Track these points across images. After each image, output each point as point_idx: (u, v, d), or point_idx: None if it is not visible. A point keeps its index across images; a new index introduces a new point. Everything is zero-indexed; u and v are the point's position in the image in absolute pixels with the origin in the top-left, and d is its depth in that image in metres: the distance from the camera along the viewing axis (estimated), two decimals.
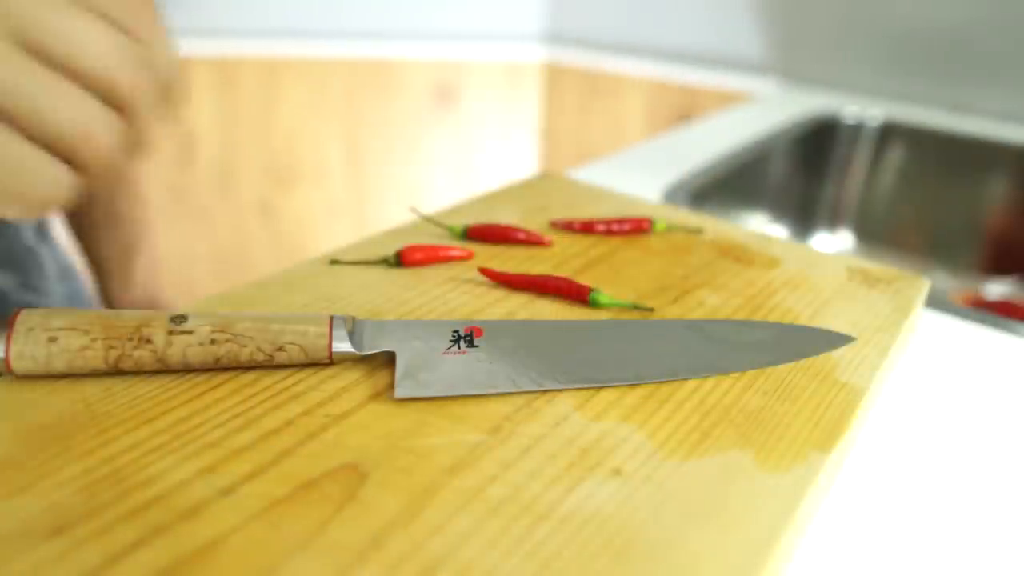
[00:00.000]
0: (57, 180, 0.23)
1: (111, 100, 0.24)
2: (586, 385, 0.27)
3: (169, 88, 0.26)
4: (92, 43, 0.23)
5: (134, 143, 0.26)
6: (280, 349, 0.27)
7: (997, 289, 0.86)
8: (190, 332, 0.26)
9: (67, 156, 0.23)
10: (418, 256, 0.36)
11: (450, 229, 0.39)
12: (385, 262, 0.36)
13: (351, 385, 0.27)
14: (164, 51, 0.26)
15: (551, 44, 1.46)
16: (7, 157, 0.22)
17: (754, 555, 0.21)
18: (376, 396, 0.26)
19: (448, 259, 0.36)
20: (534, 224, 0.42)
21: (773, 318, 0.34)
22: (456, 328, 0.30)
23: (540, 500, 0.22)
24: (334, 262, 0.35)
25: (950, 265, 0.93)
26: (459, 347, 0.29)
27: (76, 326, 0.25)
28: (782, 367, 0.30)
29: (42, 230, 0.56)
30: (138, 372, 0.26)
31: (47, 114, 0.22)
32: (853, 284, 0.38)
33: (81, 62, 0.23)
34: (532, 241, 0.39)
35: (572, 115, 1.47)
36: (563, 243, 0.40)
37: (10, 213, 0.23)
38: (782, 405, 0.27)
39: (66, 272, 0.58)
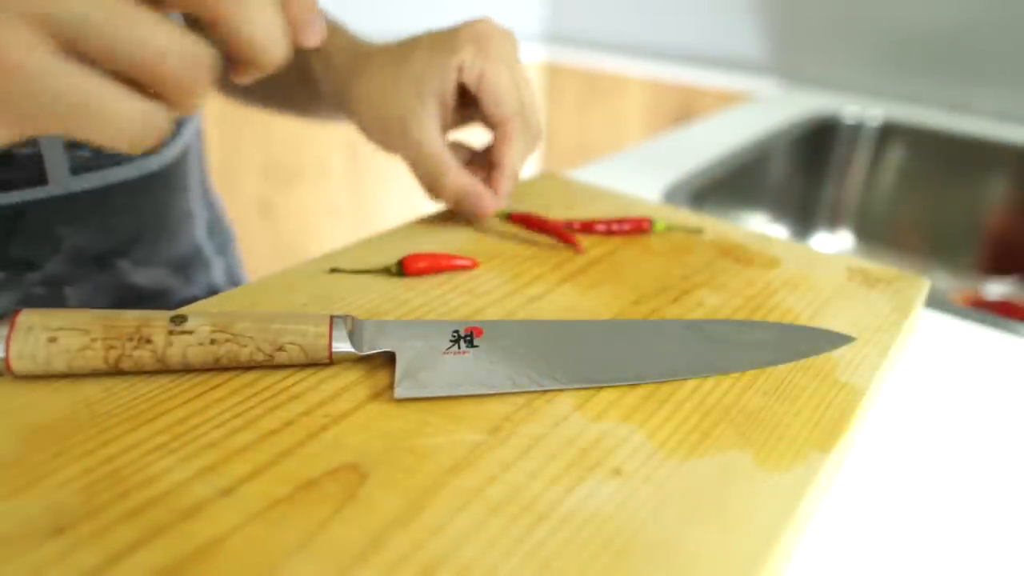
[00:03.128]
0: (146, 115, 0.23)
1: (196, 18, 0.23)
2: (586, 385, 0.27)
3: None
4: None
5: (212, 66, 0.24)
6: (280, 349, 0.27)
7: (997, 289, 0.86)
8: (190, 332, 0.26)
9: (154, 87, 0.23)
10: (421, 265, 0.35)
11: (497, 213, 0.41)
12: (387, 271, 0.35)
13: (351, 385, 0.27)
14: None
15: (551, 44, 1.46)
16: (92, 97, 0.22)
17: (754, 555, 0.21)
18: (376, 396, 0.26)
19: (452, 268, 0.36)
20: None
21: (773, 318, 0.34)
22: (456, 328, 0.30)
23: (540, 500, 0.22)
24: (334, 270, 0.35)
25: (950, 265, 0.93)
26: (459, 347, 0.29)
27: (76, 326, 0.25)
28: (782, 367, 0.30)
29: (213, 229, 0.56)
30: (138, 372, 0.26)
31: (127, 45, 0.22)
32: (853, 284, 0.38)
33: None
34: (565, 239, 0.40)
35: (572, 115, 1.47)
36: (563, 243, 0.40)
37: (112, 148, 0.23)
38: (782, 405, 0.27)
39: (232, 273, 0.57)
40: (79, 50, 0.21)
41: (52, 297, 0.42)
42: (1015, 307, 0.82)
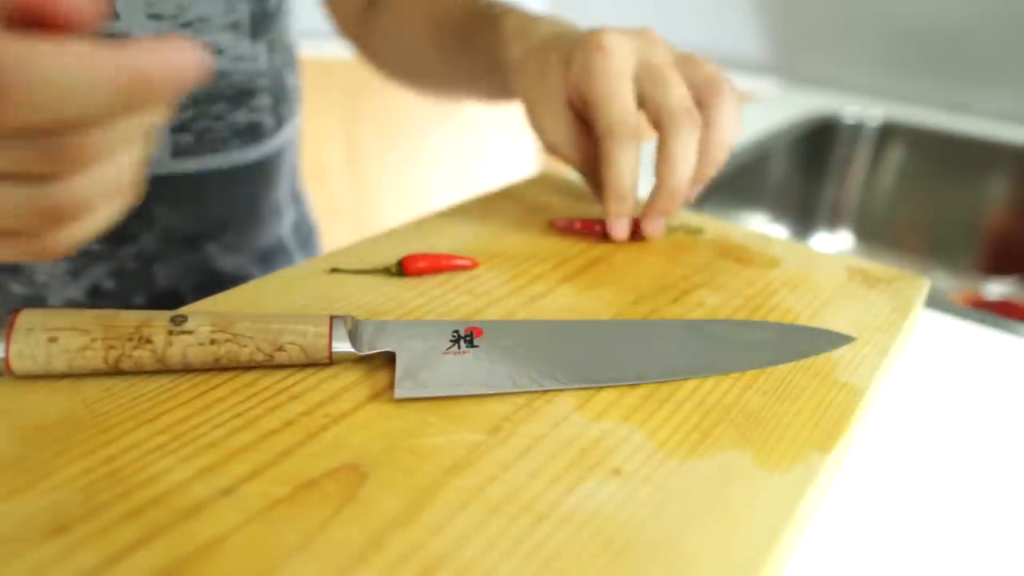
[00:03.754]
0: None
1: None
2: (586, 385, 0.27)
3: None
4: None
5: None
6: (280, 349, 0.27)
7: (997, 289, 0.86)
8: (190, 332, 0.26)
9: None
10: (421, 265, 0.35)
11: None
12: (387, 271, 0.36)
13: (351, 385, 0.27)
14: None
15: None
16: None
17: (754, 555, 0.21)
18: (376, 396, 0.26)
19: (452, 268, 0.36)
20: (534, 224, 0.42)
21: (773, 318, 0.34)
22: (456, 328, 0.30)
23: (540, 500, 0.22)
24: (334, 270, 0.35)
25: (950, 265, 0.93)
26: (459, 347, 0.29)
27: (76, 326, 0.25)
28: (782, 367, 0.30)
29: (299, 225, 0.57)
30: (138, 372, 0.26)
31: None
32: (853, 284, 0.38)
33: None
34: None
35: None
36: (563, 243, 0.40)
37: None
38: (782, 405, 0.27)
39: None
40: None
41: (142, 272, 0.45)
42: (1015, 307, 0.82)
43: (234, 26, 0.43)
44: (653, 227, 0.40)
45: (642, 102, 0.38)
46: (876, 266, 0.40)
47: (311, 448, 0.23)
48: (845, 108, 1.00)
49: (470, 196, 0.46)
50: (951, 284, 0.90)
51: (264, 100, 0.47)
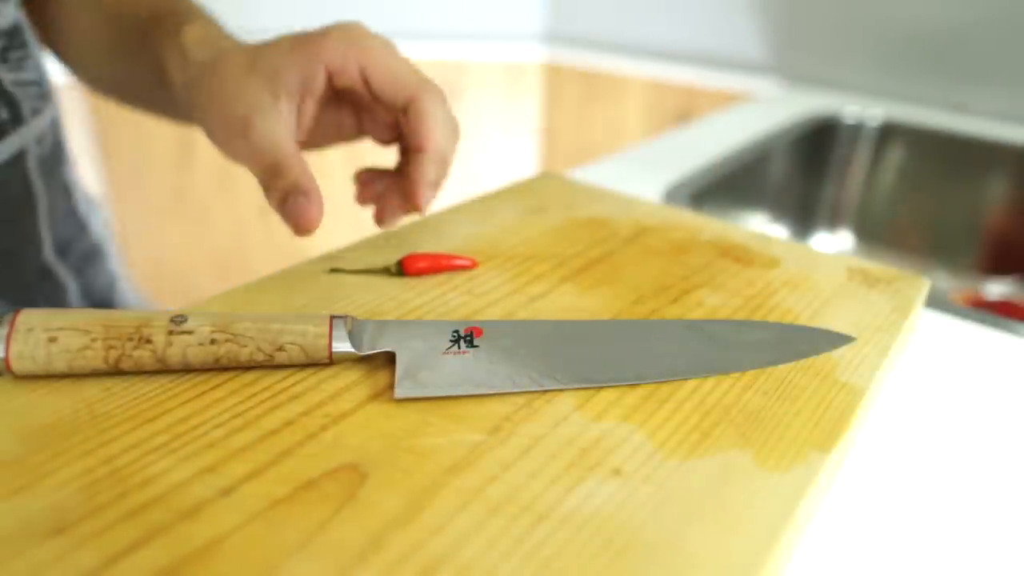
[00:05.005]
0: None
1: None
2: (586, 385, 0.27)
3: None
4: None
5: None
6: (280, 349, 0.27)
7: (997, 289, 0.86)
8: (190, 332, 0.26)
9: None
10: (421, 265, 0.35)
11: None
12: (387, 271, 0.35)
13: (351, 385, 0.27)
14: None
15: (551, 44, 1.46)
16: None
17: (754, 555, 0.21)
18: (376, 396, 0.26)
19: (452, 268, 0.36)
20: (534, 224, 0.42)
21: (773, 318, 0.34)
22: (456, 328, 0.30)
23: (540, 500, 0.22)
24: (334, 271, 0.35)
25: (950, 265, 0.93)
26: (459, 347, 0.29)
27: (76, 326, 0.25)
28: (782, 367, 0.30)
29: (63, 248, 0.48)
30: (138, 372, 0.26)
31: None
32: (853, 284, 0.38)
33: None
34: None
35: (572, 115, 1.47)
36: (563, 243, 0.40)
37: None
38: (782, 405, 0.27)
39: (93, 293, 0.52)
40: None
41: None
42: (1015, 307, 0.82)
43: None
44: (428, 200, 0.36)
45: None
46: (876, 266, 0.40)
47: (311, 448, 0.23)
48: (845, 108, 1.00)
49: (470, 196, 0.46)
50: (951, 284, 0.90)
51: None
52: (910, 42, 1.05)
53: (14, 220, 0.43)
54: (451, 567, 0.19)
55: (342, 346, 0.27)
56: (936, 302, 0.46)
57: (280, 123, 0.34)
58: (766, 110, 0.99)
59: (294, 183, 0.33)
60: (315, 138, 0.39)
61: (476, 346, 0.29)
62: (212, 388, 0.26)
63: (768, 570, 0.21)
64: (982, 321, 0.45)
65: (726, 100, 1.23)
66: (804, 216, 1.00)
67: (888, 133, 0.97)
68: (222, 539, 0.20)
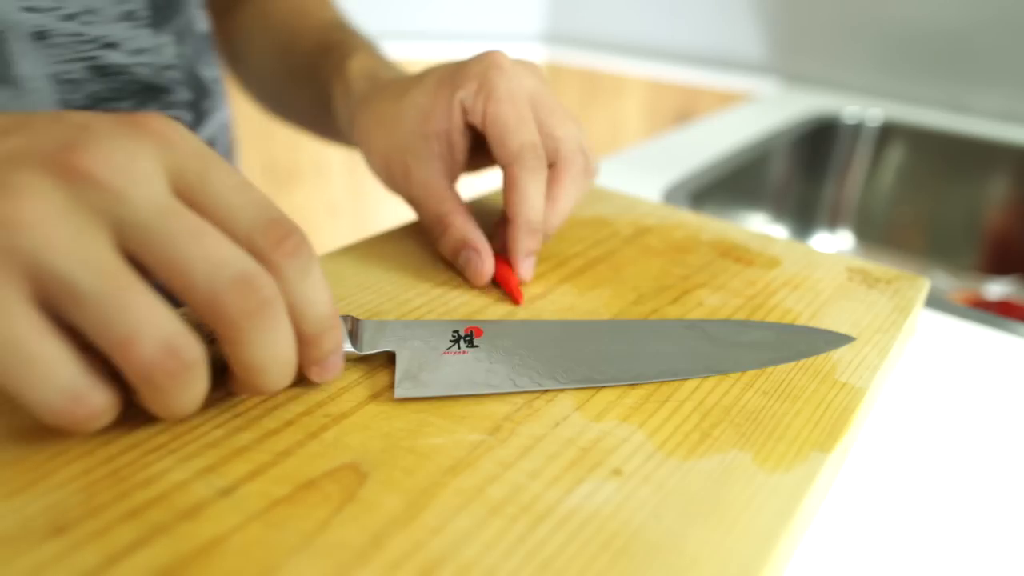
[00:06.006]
0: (76, 391, 0.20)
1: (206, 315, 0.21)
2: (586, 385, 0.27)
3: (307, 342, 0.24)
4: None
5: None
6: None
7: (997, 289, 0.86)
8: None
9: (125, 372, 0.20)
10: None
11: None
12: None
13: (351, 385, 0.27)
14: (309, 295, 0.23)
15: (551, 44, 1.46)
16: (30, 348, 0.19)
17: (754, 555, 0.21)
18: (376, 396, 0.26)
19: (509, 290, 0.34)
20: None
21: (773, 318, 0.34)
22: (456, 328, 0.30)
23: (540, 500, 0.22)
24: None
25: (950, 265, 0.93)
26: (459, 347, 0.29)
27: None
28: (782, 367, 0.30)
29: None
30: None
31: (103, 317, 0.19)
32: (853, 284, 0.38)
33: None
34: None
35: None
36: (563, 243, 0.40)
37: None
38: (782, 405, 0.27)
39: None
40: (51, 304, 0.19)
41: None
42: (1015, 307, 0.82)
43: (129, 16, 0.39)
44: (527, 270, 0.35)
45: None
46: (876, 266, 0.40)
47: (311, 448, 0.23)
48: (845, 108, 1.00)
49: (470, 196, 0.46)
50: (951, 284, 0.90)
51: (180, 95, 0.44)
52: (910, 42, 1.06)
53: None
54: (451, 567, 0.19)
55: (343, 346, 0.27)
56: (936, 302, 0.46)
57: (435, 169, 0.36)
58: (766, 110, 0.99)
59: (462, 240, 0.35)
60: (455, 168, 0.38)
61: (476, 346, 0.29)
62: (212, 388, 0.26)
63: (768, 570, 0.21)
64: (982, 321, 0.45)
65: (726, 100, 1.23)
66: (804, 216, 1.00)
67: (888, 133, 0.97)
68: (222, 539, 0.20)
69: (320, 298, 0.23)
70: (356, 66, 0.42)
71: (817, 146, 0.98)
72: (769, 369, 0.30)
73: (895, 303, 0.36)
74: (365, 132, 0.39)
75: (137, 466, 0.22)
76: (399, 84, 0.38)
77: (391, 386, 0.27)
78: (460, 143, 0.36)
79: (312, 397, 0.26)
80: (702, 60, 1.28)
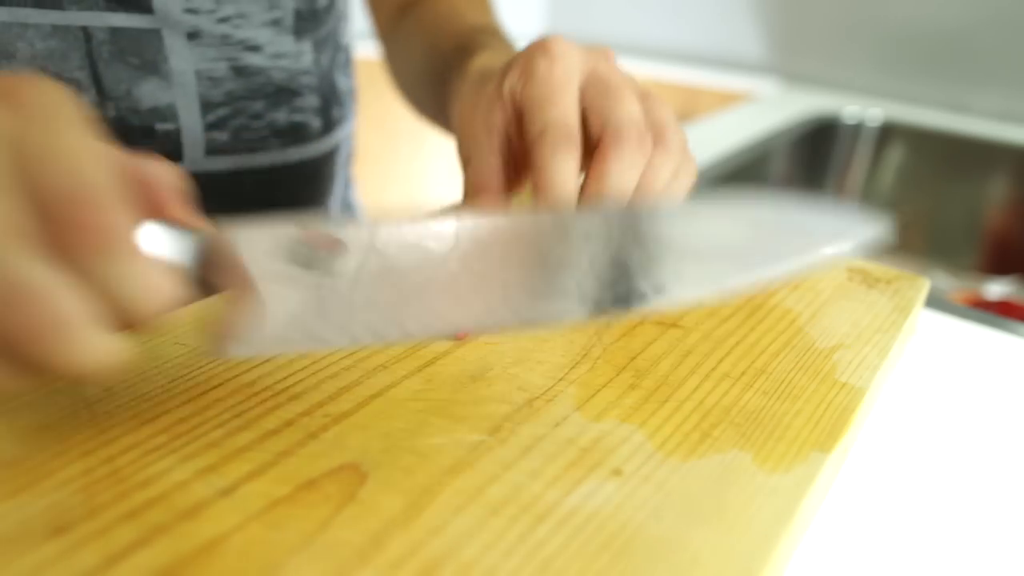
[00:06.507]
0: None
1: None
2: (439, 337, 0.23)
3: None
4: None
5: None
6: None
7: (997, 289, 0.86)
8: None
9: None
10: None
11: None
12: None
13: (351, 385, 0.27)
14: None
15: None
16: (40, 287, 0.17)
17: (754, 555, 0.21)
18: (376, 396, 0.26)
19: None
20: None
21: (773, 318, 0.34)
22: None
23: (540, 500, 0.22)
24: None
25: (950, 265, 0.93)
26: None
27: None
28: (782, 367, 0.30)
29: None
30: (138, 372, 0.26)
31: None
32: (853, 284, 0.38)
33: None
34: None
35: None
36: None
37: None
38: (782, 405, 0.27)
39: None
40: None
41: None
42: (1015, 307, 0.82)
43: (276, 23, 0.43)
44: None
45: (586, 116, 0.31)
46: (876, 266, 0.40)
47: (311, 448, 0.23)
48: (845, 108, 1.00)
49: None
50: (951, 284, 0.90)
51: (310, 100, 0.46)
52: (910, 42, 1.06)
53: (323, 196, 0.50)
54: (451, 567, 0.19)
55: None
56: (936, 302, 0.46)
57: (491, 166, 0.32)
58: (766, 110, 0.99)
59: (475, 175, 0.32)
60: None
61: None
62: (212, 388, 0.26)
63: (768, 570, 0.21)
64: (982, 321, 0.45)
65: (726, 100, 1.23)
66: None
67: (888, 133, 0.97)
68: (222, 539, 0.20)
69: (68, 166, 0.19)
70: (477, 63, 0.40)
71: (817, 146, 0.98)
72: (769, 369, 0.30)
73: (895, 303, 0.36)
74: (455, 126, 0.37)
75: (137, 466, 0.22)
76: (482, 73, 0.36)
77: (391, 386, 0.27)
78: (516, 135, 0.33)
79: (312, 397, 0.26)
80: (702, 60, 1.28)
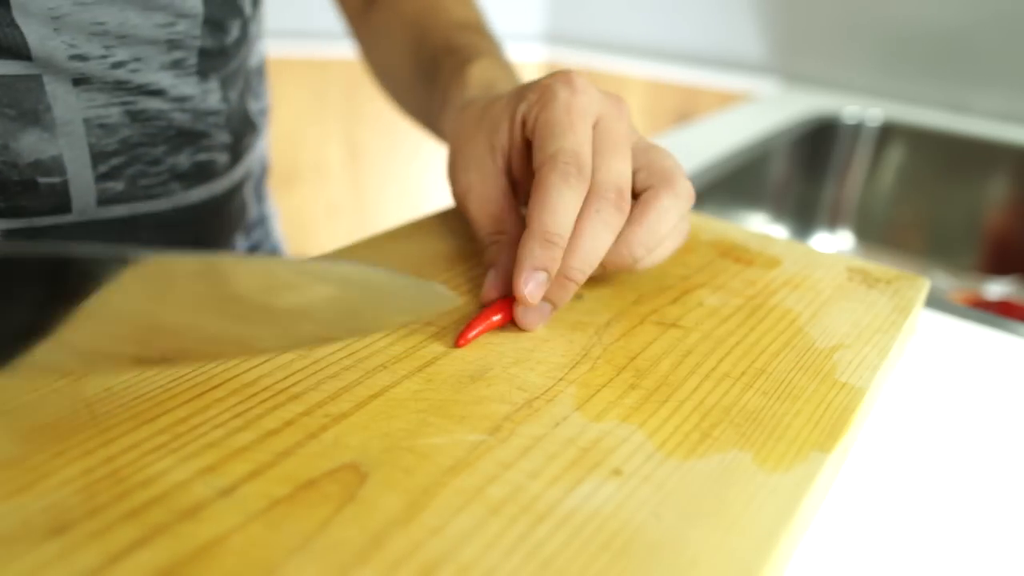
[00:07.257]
0: None
1: None
2: None
3: None
4: None
5: None
6: None
7: (997, 289, 0.86)
8: None
9: None
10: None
11: None
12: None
13: (351, 385, 0.27)
14: None
15: (551, 44, 1.46)
16: None
17: (754, 555, 0.21)
18: (376, 396, 0.26)
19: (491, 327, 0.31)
20: None
21: (773, 318, 0.34)
22: None
23: (540, 500, 0.22)
24: None
25: (950, 265, 0.93)
26: None
27: None
28: (782, 367, 0.30)
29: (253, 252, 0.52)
30: (138, 372, 0.26)
31: None
32: (853, 284, 0.38)
33: None
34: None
35: None
36: None
37: None
38: (782, 405, 0.27)
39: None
40: None
41: None
42: (1015, 307, 0.82)
43: (177, 64, 0.39)
44: (534, 318, 0.31)
45: None
46: (876, 266, 0.40)
47: (311, 448, 0.23)
48: (845, 108, 1.00)
49: None
50: (951, 284, 0.90)
51: (219, 138, 0.43)
52: (910, 42, 1.06)
53: (228, 232, 0.48)
54: (451, 567, 0.19)
55: None
56: (936, 302, 0.46)
57: (494, 186, 0.34)
58: (766, 110, 0.99)
59: (490, 263, 0.33)
60: (516, 186, 0.36)
61: None
62: (212, 388, 0.26)
63: (768, 570, 0.21)
64: (982, 321, 0.45)
65: (726, 100, 1.23)
66: (804, 216, 1.01)
67: (888, 133, 0.97)
68: (222, 539, 0.20)
69: None
70: (476, 73, 0.40)
71: (817, 146, 0.98)
72: (769, 369, 0.30)
73: (895, 303, 0.36)
74: (451, 137, 0.37)
75: (137, 466, 0.22)
76: (485, 100, 0.36)
77: (391, 386, 0.27)
78: (518, 161, 0.34)
79: (312, 397, 0.26)
80: (702, 60, 1.28)
